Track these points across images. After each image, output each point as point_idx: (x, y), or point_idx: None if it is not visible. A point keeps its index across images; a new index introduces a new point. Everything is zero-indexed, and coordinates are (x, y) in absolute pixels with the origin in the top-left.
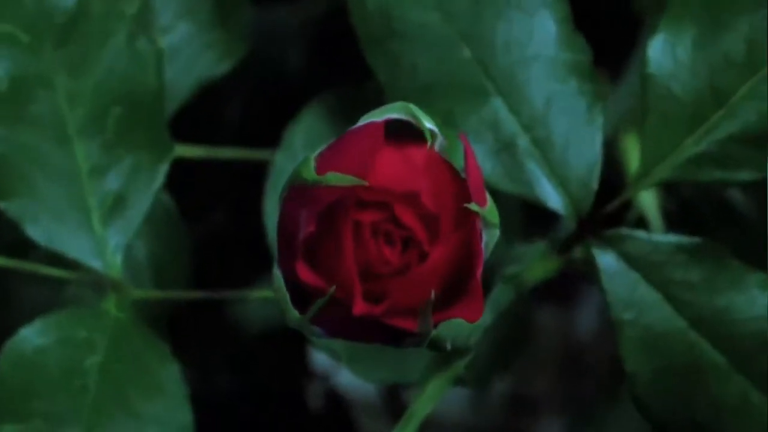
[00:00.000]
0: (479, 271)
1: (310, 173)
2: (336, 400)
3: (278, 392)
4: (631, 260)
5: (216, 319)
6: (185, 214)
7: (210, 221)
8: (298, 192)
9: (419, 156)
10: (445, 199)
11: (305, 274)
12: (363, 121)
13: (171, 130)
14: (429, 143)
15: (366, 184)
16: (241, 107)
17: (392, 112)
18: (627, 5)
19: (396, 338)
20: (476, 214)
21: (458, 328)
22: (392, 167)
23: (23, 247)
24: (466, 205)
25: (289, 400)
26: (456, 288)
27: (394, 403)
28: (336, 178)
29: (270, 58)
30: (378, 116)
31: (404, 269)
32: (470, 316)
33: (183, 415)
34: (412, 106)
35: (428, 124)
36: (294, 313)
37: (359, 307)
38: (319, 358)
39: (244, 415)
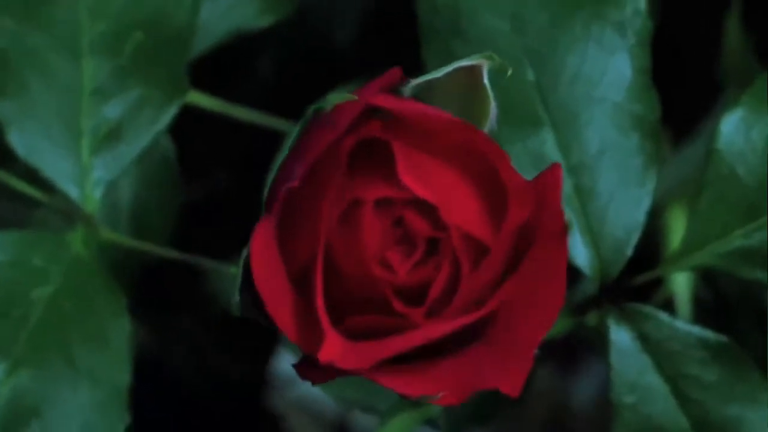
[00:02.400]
0: (545, 329)
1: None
2: (291, 406)
3: (233, 377)
4: (646, 342)
5: (190, 286)
6: (186, 169)
7: (211, 182)
8: (299, 143)
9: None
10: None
11: (258, 247)
12: (424, 78)
13: (193, 76)
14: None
15: (355, 98)
16: (279, 71)
17: (465, 61)
18: (710, 69)
19: None
20: (566, 230)
21: None
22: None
23: (4, 158)
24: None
25: (240, 388)
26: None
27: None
28: (335, 98)
29: (319, 28)
30: (442, 71)
31: (414, 290)
32: (509, 390)
33: (121, 375)
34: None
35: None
36: (235, 300)
37: (328, 349)
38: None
39: (190, 393)
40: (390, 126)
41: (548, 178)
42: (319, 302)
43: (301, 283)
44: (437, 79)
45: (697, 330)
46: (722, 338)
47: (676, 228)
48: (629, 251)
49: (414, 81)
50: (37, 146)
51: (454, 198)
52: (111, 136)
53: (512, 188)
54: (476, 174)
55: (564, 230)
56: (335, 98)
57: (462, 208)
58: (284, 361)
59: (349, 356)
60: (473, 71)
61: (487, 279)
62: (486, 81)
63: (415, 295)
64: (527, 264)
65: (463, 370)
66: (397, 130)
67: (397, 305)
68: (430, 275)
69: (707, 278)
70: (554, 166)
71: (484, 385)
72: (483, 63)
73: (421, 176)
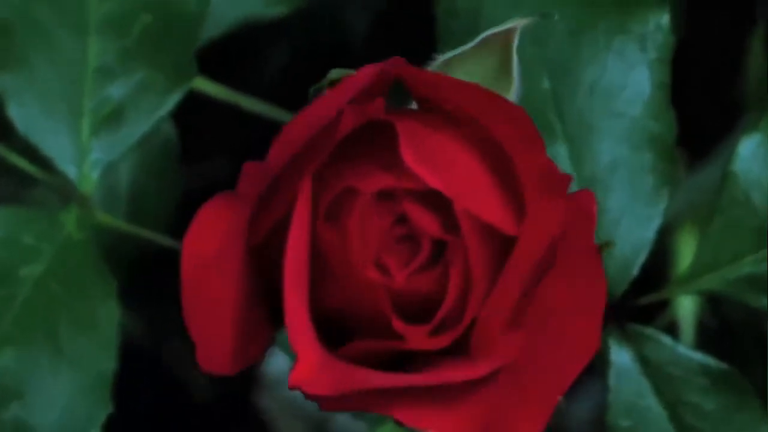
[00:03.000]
0: (577, 371)
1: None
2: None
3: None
4: (647, 365)
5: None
6: (187, 156)
7: (213, 171)
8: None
9: None
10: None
11: (198, 229)
12: (451, 53)
13: (200, 62)
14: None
15: (349, 73)
16: (287, 63)
17: (497, 28)
18: (732, 90)
19: None
20: (601, 250)
21: None
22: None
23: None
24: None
25: (232, 386)
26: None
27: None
28: (336, 73)
29: (330, 22)
30: (472, 43)
31: (416, 303)
32: None
33: (107, 362)
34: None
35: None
36: None
37: (301, 368)
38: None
39: (181, 388)
40: (395, 112)
41: (580, 200)
42: (290, 304)
43: (266, 285)
44: (456, 61)
45: (699, 356)
46: (724, 366)
47: (685, 251)
48: (635, 271)
49: (441, 57)
50: (36, 122)
51: (470, 187)
52: (112, 118)
53: (527, 179)
54: (494, 161)
55: (599, 255)
56: (336, 74)
57: (478, 202)
58: (275, 361)
59: (324, 380)
60: (501, 45)
61: (510, 289)
62: (514, 51)
63: (417, 310)
64: (554, 291)
65: (475, 406)
66: (403, 114)
67: (397, 323)
68: (436, 284)
69: (712, 303)
70: (585, 192)
71: (500, 428)
72: (518, 25)
73: (429, 159)
